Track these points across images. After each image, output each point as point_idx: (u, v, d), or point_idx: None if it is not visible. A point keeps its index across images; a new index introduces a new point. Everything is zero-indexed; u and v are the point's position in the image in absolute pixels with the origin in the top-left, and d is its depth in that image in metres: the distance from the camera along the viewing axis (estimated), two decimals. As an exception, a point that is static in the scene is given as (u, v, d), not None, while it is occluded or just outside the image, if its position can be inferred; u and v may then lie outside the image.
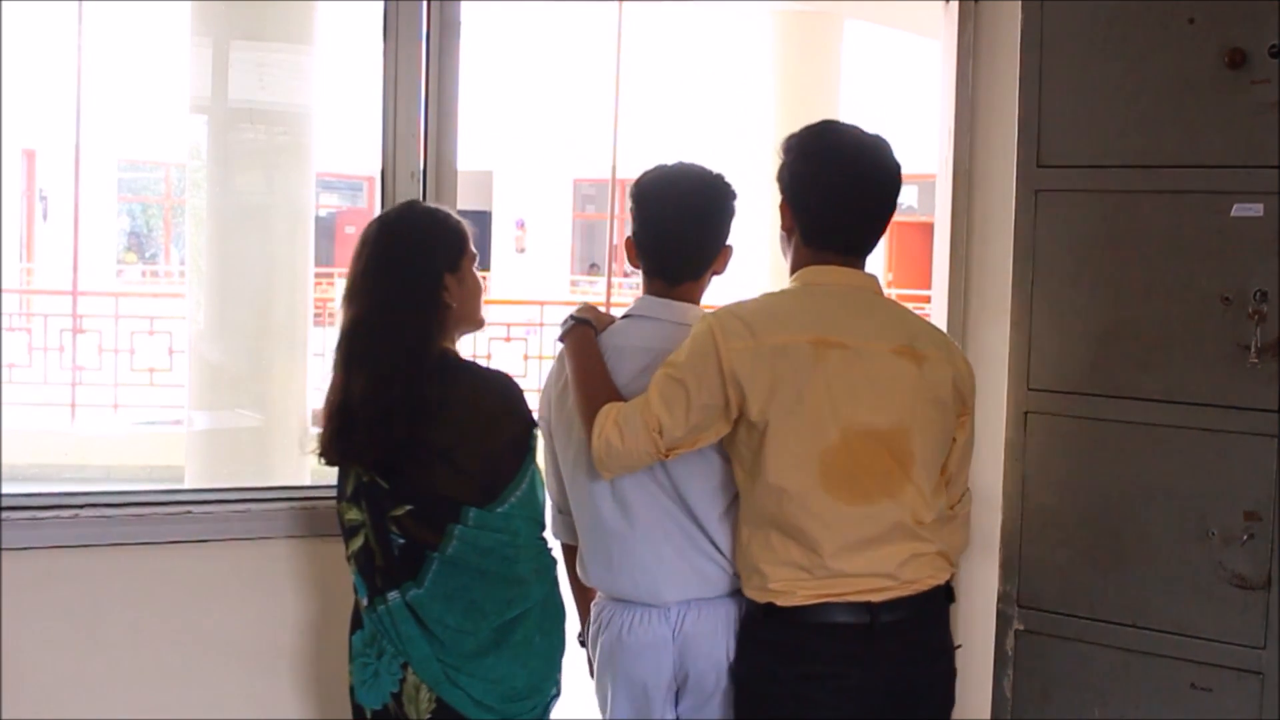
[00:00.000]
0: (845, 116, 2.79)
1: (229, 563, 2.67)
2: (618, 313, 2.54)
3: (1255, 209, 2.55)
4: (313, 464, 6.78)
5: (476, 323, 2.40)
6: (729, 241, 2.48)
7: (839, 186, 2.33)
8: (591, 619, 2.50)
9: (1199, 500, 2.62)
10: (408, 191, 2.71)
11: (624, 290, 14.32)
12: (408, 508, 2.24)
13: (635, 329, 2.43)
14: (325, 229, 16.28)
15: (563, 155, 17.02)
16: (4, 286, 12.95)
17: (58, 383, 9.96)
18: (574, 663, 2.45)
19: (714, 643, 2.37)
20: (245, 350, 6.39)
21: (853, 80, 10.29)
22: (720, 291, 2.65)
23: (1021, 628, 2.83)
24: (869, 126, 2.42)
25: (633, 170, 2.71)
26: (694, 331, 2.27)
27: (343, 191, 18.84)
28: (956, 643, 2.44)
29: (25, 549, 2.53)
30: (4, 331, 10.19)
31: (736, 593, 2.38)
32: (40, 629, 2.55)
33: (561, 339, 2.45)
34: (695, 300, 2.47)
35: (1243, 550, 2.58)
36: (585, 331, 2.41)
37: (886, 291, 2.53)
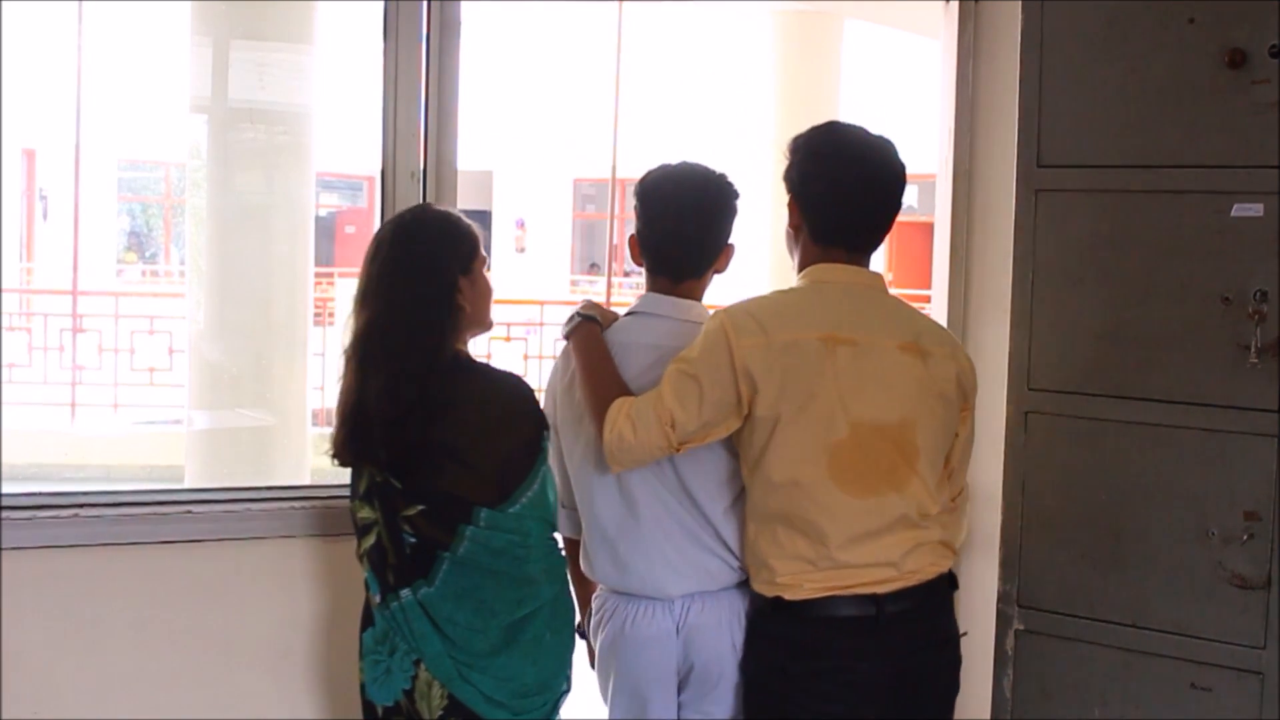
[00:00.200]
0: (845, 116, 2.79)
1: (229, 562, 2.67)
2: (618, 312, 2.57)
3: (1255, 209, 2.55)
4: (313, 464, 6.74)
5: (486, 325, 2.41)
6: (731, 240, 2.51)
7: (847, 185, 2.37)
8: (593, 611, 2.52)
9: (1199, 500, 2.63)
10: (408, 191, 2.72)
11: (624, 290, 14.33)
12: (420, 507, 2.26)
13: (641, 326, 2.46)
14: (325, 229, 16.27)
15: (563, 155, 17.00)
16: (4, 286, 12.94)
17: (58, 382, 9.95)
18: (577, 655, 2.46)
19: (718, 634, 2.41)
20: (245, 350, 6.39)
21: (853, 80, 10.28)
22: (721, 290, 2.68)
23: (1022, 627, 2.83)
24: (872, 127, 2.45)
25: (633, 170, 2.73)
26: (706, 328, 2.32)
27: (343, 191, 18.82)
28: (961, 630, 2.48)
29: (25, 548, 2.53)
30: (4, 331, 10.19)
31: (740, 585, 2.42)
32: (40, 629, 2.55)
33: (567, 336, 2.48)
34: (698, 298, 2.50)
35: (1243, 550, 2.58)
36: (592, 328, 2.45)
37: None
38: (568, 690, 2.37)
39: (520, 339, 10.30)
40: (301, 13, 6.48)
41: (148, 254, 18.64)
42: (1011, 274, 2.82)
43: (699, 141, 12.29)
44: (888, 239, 2.52)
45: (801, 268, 2.43)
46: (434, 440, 2.24)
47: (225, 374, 6.39)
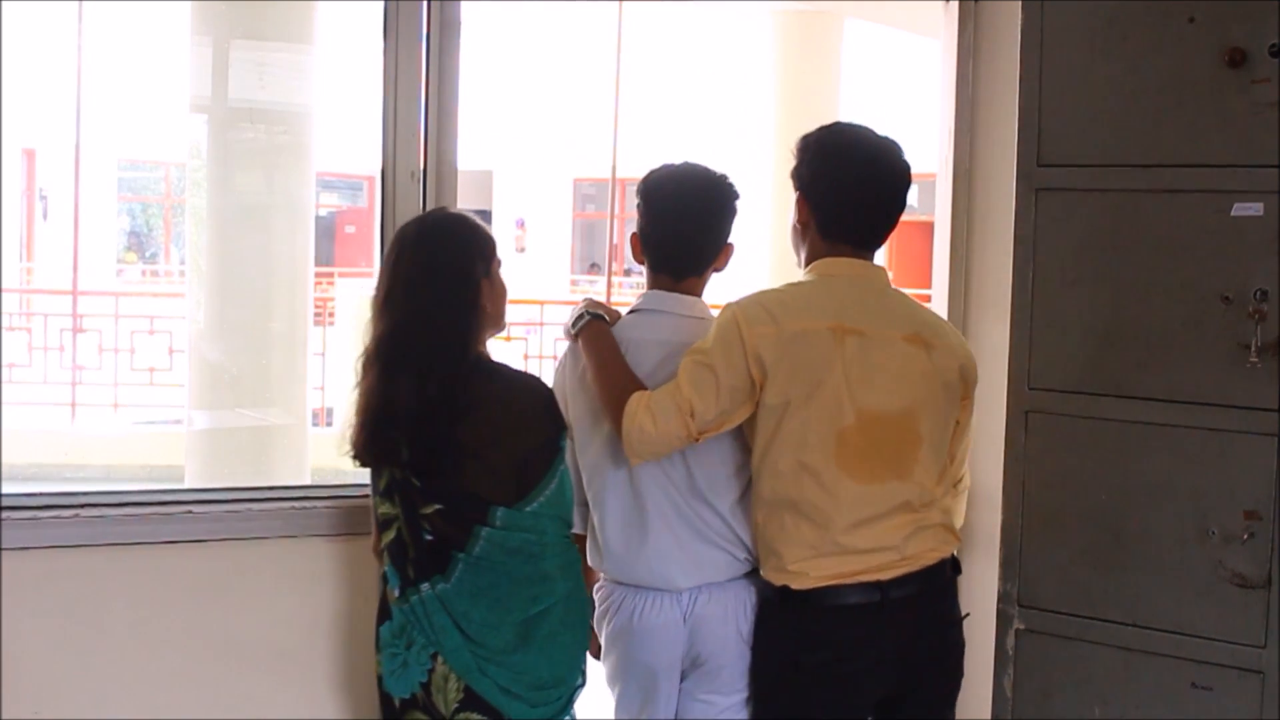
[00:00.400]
0: (846, 116, 2.81)
1: (229, 562, 2.67)
2: (619, 311, 2.61)
3: (1255, 208, 2.55)
4: (313, 464, 6.74)
5: (502, 324, 2.46)
6: (730, 240, 2.58)
7: (857, 183, 2.47)
8: (598, 602, 2.56)
9: (1199, 499, 2.62)
10: (408, 191, 2.72)
11: (624, 290, 14.33)
12: (437, 506, 2.30)
13: (647, 323, 2.53)
14: (325, 228, 16.29)
15: (563, 155, 17.00)
16: (4, 286, 12.94)
17: (58, 382, 9.95)
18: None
19: (724, 623, 2.48)
20: (245, 350, 6.38)
21: (853, 80, 10.28)
22: (722, 289, 2.71)
23: (1022, 627, 2.83)
24: (874, 127, 2.53)
25: (633, 170, 2.75)
26: (719, 319, 2.40)
27: (343, 191, 18.82)
28: (964, 611, 2.56)
29: (25, 549, 2.53)
30: (4, 331, 10.19)
31: (748, 575, 2.50)
32: (40, 629, 2.55)
33: (575, 336, 2.52)
34: (698, 295, 2.57)
35: (1243, 549, 2.58)
36: (600, 326, 2.51)
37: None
38: (583, 684, 2.42)
39: (520, 339, 10.30)
40: (301, 12, 6.48)
41: (148, 254, 18.64)
42: (1011, 273, 2.82)
43: (699, 141, 12.28)
44: (889, 238, 2.56)
45: (808, 262, 2.51)
46: (455, 440, 2.28)
47: (225, 374, 6.38)
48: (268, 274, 6.37)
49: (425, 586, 2.30)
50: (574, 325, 2.53)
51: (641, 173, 2.62)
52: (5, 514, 2.52)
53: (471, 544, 2.29)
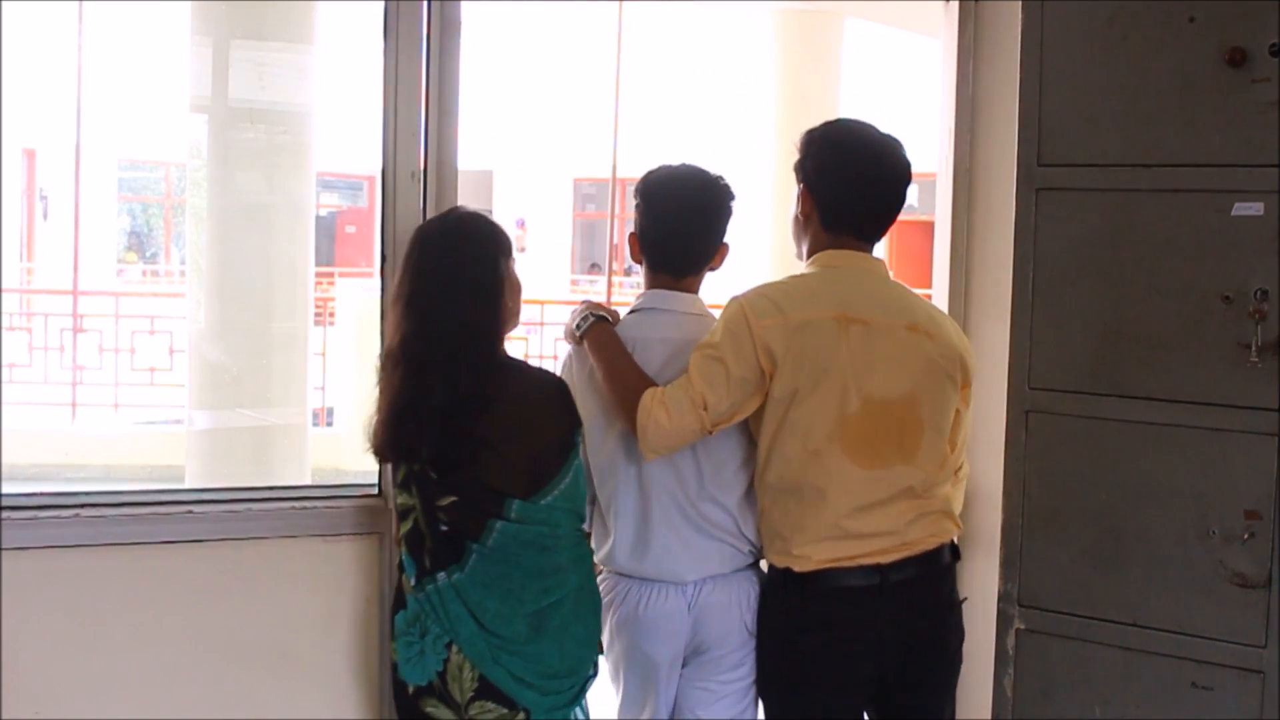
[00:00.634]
0: (846, 115, 2.82)
1: (229, 562, 2.67)
2: (619, 311, 2.66)
3: (1255, 208, 2.55)
4: (313, 464, 6.74)
5: (517, 321, 2.51)
6: (725, 240, 2.64)
7: (861, 178, 2.54)
8: (602, 593, 2.59)
9: (1199, 499, 2.62)
10: (408, 191, 2.71)
11: (624, 289, 14.32)
12: (453, 499, 2.35)
13: (651, 322, 2.58)
14: (325, 228, 16.28)
15: (563, 155, 17.01)
16: (4, 286, 12.94)
17: (58, 382, 9.96)
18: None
19: (727, 611, 2.55)
20: (245, 350, 6.39)
21: (853, 79, 10.28)
22: (722, 287, 2.76)
23: (1022, 627, 2.83)
24: (875, 125, 2.60)
25: (633, 170, 2.77)
26: (726, 313, 2.46)
27: (343, 191, 18.83)
28: (962, 596, 2.63)
29: (26, 549, 2.53)
30: (4, 331, 10.19)
31: (751, 566, 2.58)
32: (40, 629, 2.55)
33: (580, 338, 2.57)
34: (697, 293, 2.63)
35: (1243, 549, 2.58)
36: (605, 327, 2.56)
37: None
38: (594, 675, 2.47)
39: (520, 339, 10.30)
40: (302, 13, 6.48)
41: (148, 254, 18.64)
42: (1012, 273, 2.82)
43: (699, 141, 12.28)
44: (888, 238, 2.60)
45: (810, 254, 2.58)
46: (473, 433, 2.33)
47: (226, 374, 6.39)
48: (268, 274, 6.37)
49: (441, 576, 2.35)
50: (578, 328, 2.57)
51: (641, 173, 2.66)
52: (5, 514, 2.52)
53: (486, 535, 2.33)
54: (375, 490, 2.75)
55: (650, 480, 2.54)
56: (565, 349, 2.69)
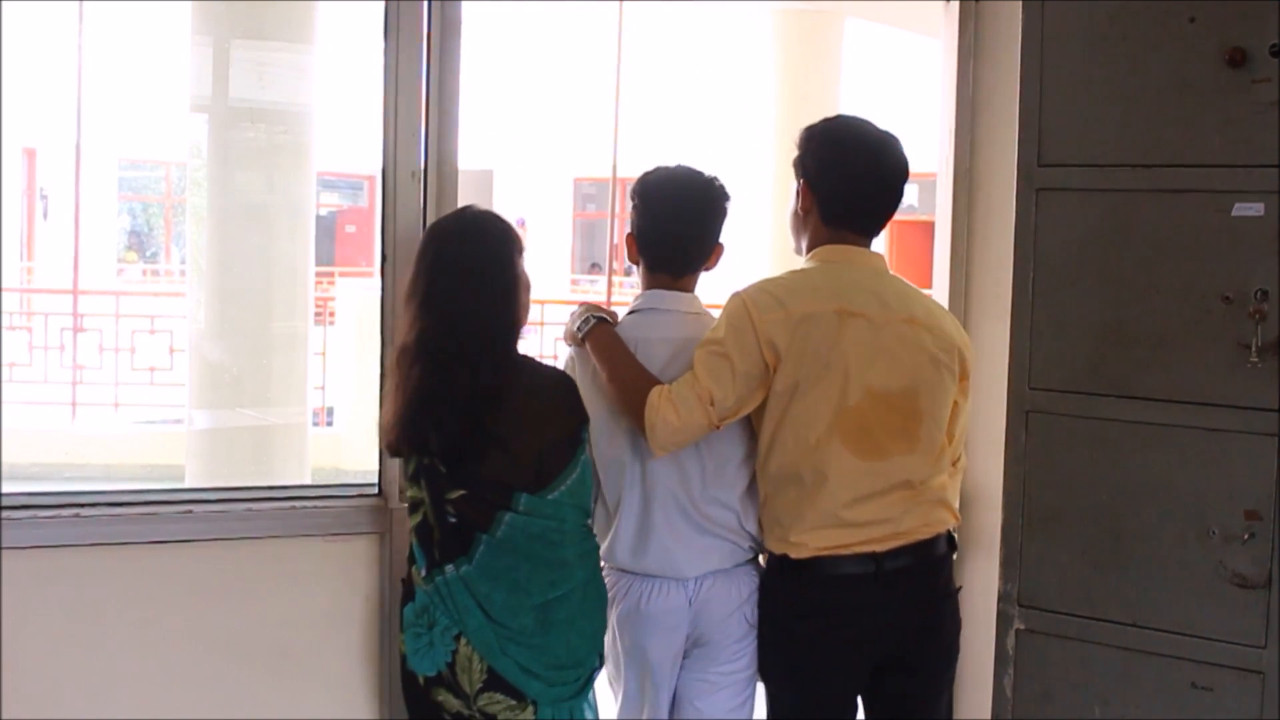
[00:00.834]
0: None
1: (229, 562, 2.67)
2: (622, 311, 2.69)
3: (1256, 208, 2.55)
4: (313, 464, 6.73)
5: (528, 317, 2.55)
6: (720, 240, 2.68)
7: (862, 173, 2.59)
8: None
9: (1199, 499, 2.62)
10: (408, 191, 2.71)
11: (624, 289, 14.31)
12: (461, 492, 2.38)
13: (651, 322, 2.61)
14: (326, 228, 16.28)
15: (563, 154, 17.00)
16: (4, 285, 12.94)
17: (58, 381, 9.96)
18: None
19: (728, 605, 2.59)
20: (245, 349, 6.39)
21: (853, 79, 10.28)
22: (724, 283, 2.78)
23: (1022, 627, 2.83)
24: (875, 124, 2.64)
25: (633, 169, 2.78)
26: (728, 309, 2.50)
27: (343, 190, 18.83)
28: (957, 584, 2.69)
29: (25, 548, 2.53)
30: (4, 330, 10.19)
31: (751, 561, 2.63)
32: (41, 628, 2.55)
33: (582, 340, 2.60)
34: (693, 292, 2.67)
35: (1243, 549, 2.58)
36: (607, 328, 2.59)
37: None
38: (600, 666, 2.50)
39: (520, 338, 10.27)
40: (302, 12, 6.48)
41: (148, 253, 18.64)
42: (1012, 273, 2.82)
43: (700, 141, 12.28)
44: (888, 238, 2.61)
45: (810, 248, 2.62)
46: (485, 428, 2.36)
47: (226, 373, 6.39)
48: (268, 273, 6.37)
49: (449, 568, 2.38)
50: (579, 330, 2.60)
51: (641, 173, 2.68)
52: (5, 513, 2.52)
53: (495, 527, 2.36)
54: (375, 490, 2.75)
55: (653, 479, 2.57)
56: (565, 349, 2.71)
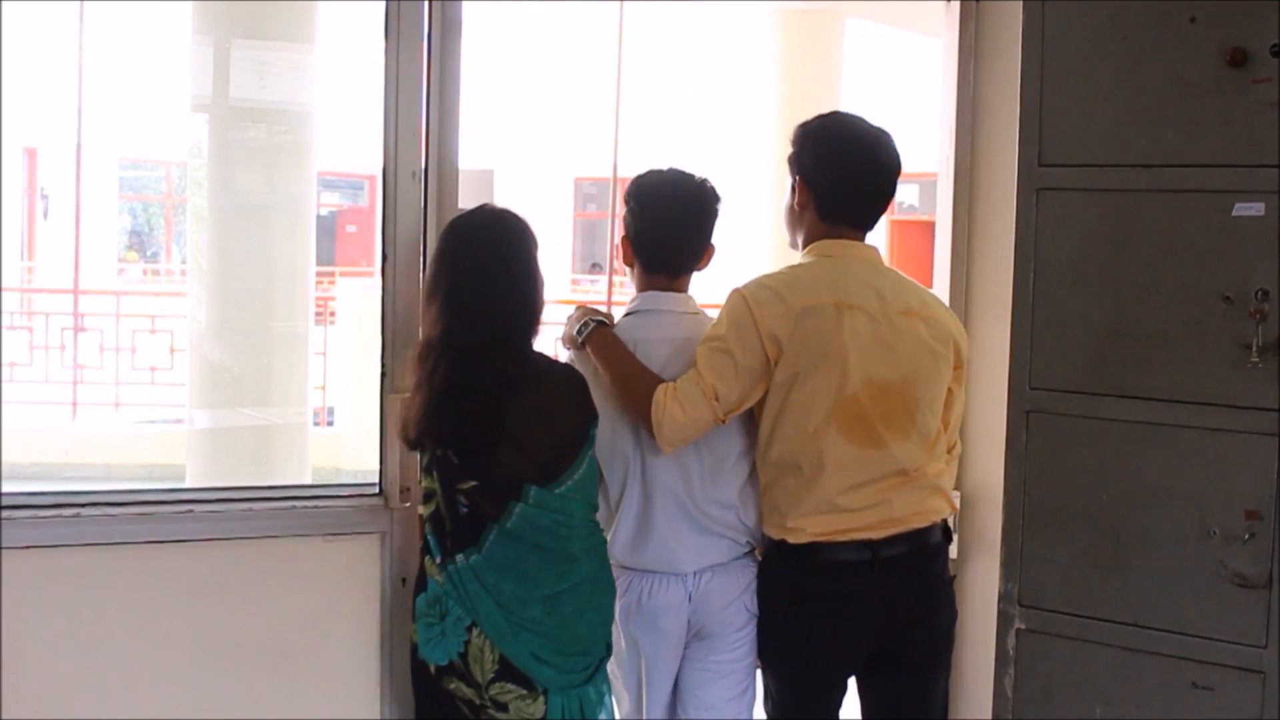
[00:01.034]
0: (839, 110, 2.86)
1: (229, 562, 2.67)
2: (618, 311, 2.73)
3: (1256, 208, 2.55)
4: (314, 464, 6.74)
5: (542, 313, 2.58)
6: (711, 241, 2.74)
7: (857, 169, 2.64)
8: None
9: (1200, 499, 2.62)
10: (409, 191, 2.71)
11: (625, 289, 14.30)
12: (473, 483, 2.42)
13: (649, 323, 2.66)
14: (326, 227, 16.28)
15: (564, 154, 16.99)
16: (5, 285, 12.94)
17: (59, 381, 9.95)
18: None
19: (726, 596, 2.63)
20: (246, 349, 6.38)
21: (854, 79, 10.28)
22: (724, 280, 2.78)
23: (1023, 627, 2.83)
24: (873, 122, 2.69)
25: (634, 169, 2.80)
26: (728, 305, 2.55)
27: (344, 190, 18.81)
28: (951, 573, 2.77)
29: (25, 548, 2.53)
30: (5, 330, 10.19)
31: (749, 554, 2.68)
32: (41, 628, 2.55)
33: (582, 344, 2.63)
34: (687, 292, 2.72)
35: (1244, 549, 2.58)
36: (606, 330, 2.63)
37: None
38: (608, 655, 2.54)
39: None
40: (303, 12, 6.47)
41: (149, 253, 18.62)
42: (1013, 273, 2.82)
43: (700, 140, 12.27)
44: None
45: (806, 243, 2.68)
46: (499, 420, 2.40)
47: (226, 373, 6.38)
48: (269, 273, 6.37)
49: (460, 558, 2.42)
50: (579, 333, 2.64)
51: (635, 176, 2.74)
52: (6, 513, 2.52)
53: (506, 517, 2.41)
54: (375, 490, 2.75)
55: (654, 477, 2.60)
56: (564, 352, 2.72)
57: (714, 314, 2.64)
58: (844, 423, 2.53)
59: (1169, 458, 2.65)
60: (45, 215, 15.43)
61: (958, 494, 3.00)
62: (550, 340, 2.68)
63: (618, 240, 2.78)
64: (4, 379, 9.59)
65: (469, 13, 2.75)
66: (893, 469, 2.56)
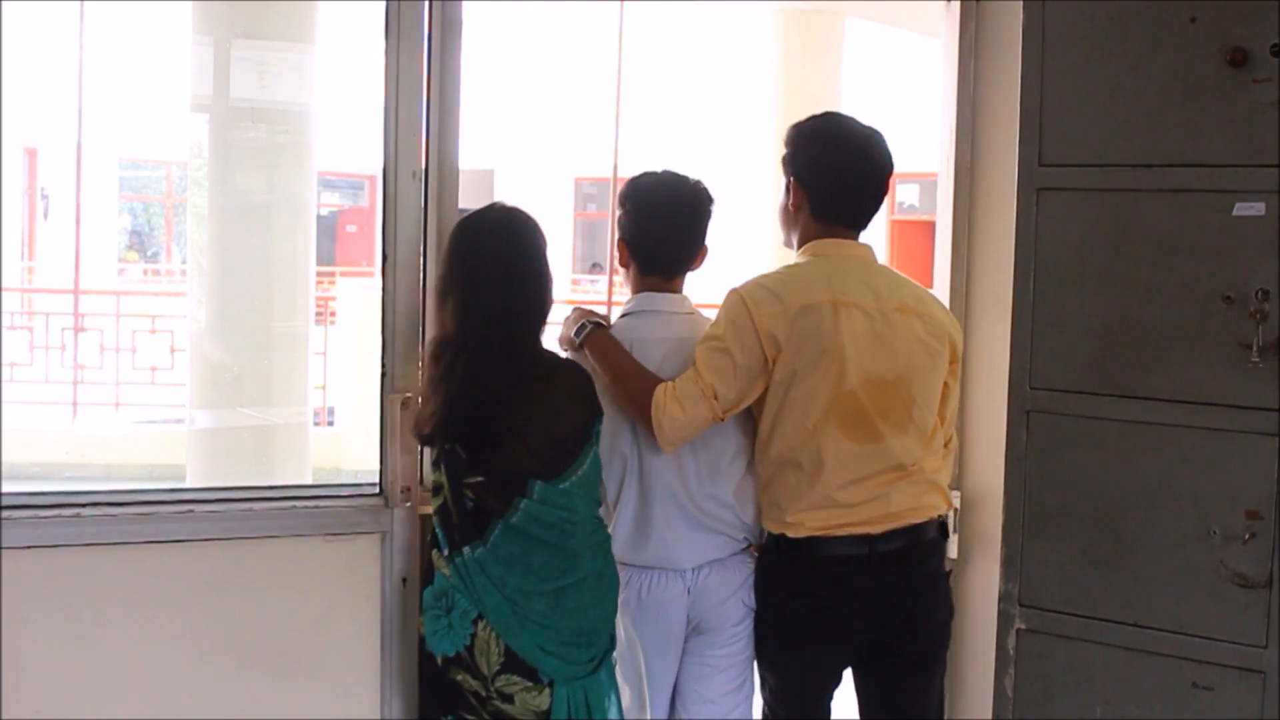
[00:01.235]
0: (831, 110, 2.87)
1: (230, 562, 2.67)
2: (616, 312, 2.76)
3: (1256, 208, 2.55)
4: (314, 464, 6.72)
5: (550, 310, 2.60)
6: (705, 242, 2.76)
7: (851, 168, 2.66)
8: None
9: (1200, 499, 2.63)
10: (409, 191, 2.71)
11: (625, 289, 14.31)
12: (479, 478, 2.45)
13: (646, 324, 2.68)
14: (326, 227, 16.29)
15: (564, 154, 16.99)
16: (5, 285, 12.94)
17: (59, 381, 9.95)
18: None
19: (724, 591, 2.66)
20: (246, 349, 6.38)
21: (854, 79, 10.28)
22: (724, 279, 2.79)
23: (1023, 627, 2.83)
24: (872, 123, 2.70)
25: (635, 169, 2.81)
26: (726, 305, 2.58)
27: (344, 190, 18.81)
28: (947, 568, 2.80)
29: (25, 548, 2.53)
30: (5, 330, 10.18)
31: (747, 550, 2.70)
32: (41, 628, 2.55)
33: (580, 345, 2.65)
34: (682, 293, 2.75)
35: (1244, 549, 2.58)
36: (604, 331, 2.65)
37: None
38: (612, 646, 2.55)
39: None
40: (303, 12, 6.47)
41: (149, 253, 18.62)
42: (1013, 273, 2.82)
43: (701, 140, 12.27)
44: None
45: (801, 243, 2.71)
46: (507, 416, 2.43)
47: (226, 373, 6.38)
48: (269, 273, 6.37)
49: (467, 550, 2.45)
50: (577, 335, 2.66)
51: (629, 179, 2.76)
52: (6, 513, 2.52)
53: (511, 512, 2.43)
54: (375, 490, 2.75)
55: (651, 475, 2.63)
56: (563, 353, 2.72)
57: (710, 314, 2.66)
58: (842, 419, 2.55)
59: (1169, 458, 2.66)
60: (45, 215, 15.43)
61: (957, 493, 3.01)
62: (550, 340, 2.68)
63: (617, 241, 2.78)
64: (4, 379, 9.59)
65: (469, 13, 2.75)
66: (890, 464, 2.58)
